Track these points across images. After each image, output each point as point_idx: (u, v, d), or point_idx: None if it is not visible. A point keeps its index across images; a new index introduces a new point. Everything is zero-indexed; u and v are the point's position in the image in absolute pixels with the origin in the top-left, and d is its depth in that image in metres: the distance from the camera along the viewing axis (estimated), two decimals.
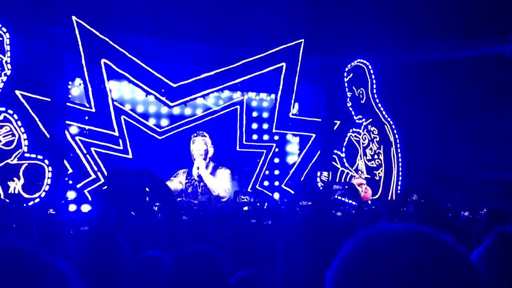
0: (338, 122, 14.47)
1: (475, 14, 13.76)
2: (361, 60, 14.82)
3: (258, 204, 10.02)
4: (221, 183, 13.63)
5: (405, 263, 0.84)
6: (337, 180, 14.04)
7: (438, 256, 0.86)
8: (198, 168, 13.45)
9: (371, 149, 14.94)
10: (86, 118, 11.83)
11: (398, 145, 15.26)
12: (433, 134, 15.37)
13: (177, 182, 13.42)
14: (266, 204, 11.29)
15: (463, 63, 14.87)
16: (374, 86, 15.00)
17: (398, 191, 14.94)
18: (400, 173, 15.17)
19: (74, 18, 11.35)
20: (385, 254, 0.86)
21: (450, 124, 15.63)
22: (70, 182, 11.64)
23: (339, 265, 0.90)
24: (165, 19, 12.58)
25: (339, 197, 12.10)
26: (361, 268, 0.87)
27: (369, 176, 14.70)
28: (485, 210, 8.61)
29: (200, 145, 13.48)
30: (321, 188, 13.59)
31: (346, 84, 14.59)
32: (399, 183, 15.09)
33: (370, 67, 14.92)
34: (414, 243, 0.87)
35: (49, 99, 11.18)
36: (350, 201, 12.12)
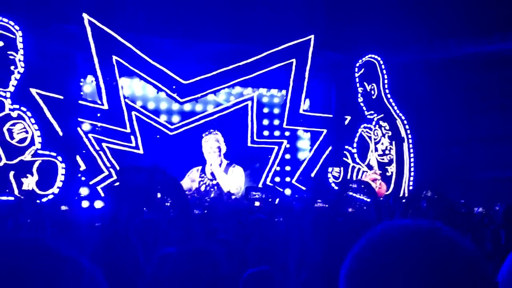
0: (349, 118, 14.40)
1: (490, 11, 13.57)
2: (373, 55, 14.72)
3: (270, 200, 10.01)
4: (234, 181, 13.70)
5: (418, 260, 0.84)
6: (350, 177, 13.99)
7: (450, 253, 0.86)
8: (211, 164, 13.54)
9: (382, 144, 14.86)
10: (98, 115, 11.90)
11: (410, 141, 15.15)
12: (448, 132, 15.19)
13: (190, 180, 13.54)
14: (277, 200, 11.28)
15: (479, 60, 14.67)
16: (386, 81, 14.90)
17: (410, 187, 14.85)
18: (412, 168, 15.08)
19: (85, 16, 11.41)
20: (398, 250, 0.86)
21: (464, 122, 15.43)
22: (83, 178, 11.74)
23: (353, 262, 0.90)
24: (175, 18, 12.60)
25: (351, 193, 12.05)
26: (374, 264, 0.87)
27: (380, 172, 14.64)
28: (498, 206, 8.53)
29: (213, 143, 13.57)
30: (335, 186, 13.56)
31: (357, 80, 14.52)
32: (411, 178, 15.00)
33: (381, 62, 14.82)
34: (428, 240, 0.87)
35: (61, 97, 11.27)
36: (362, 197, 12.06)
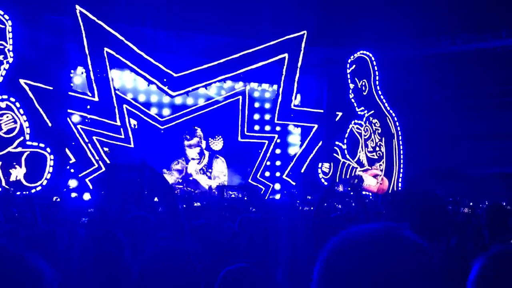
0: (340, 114, 14.44)
1: (489, 8, 13.58)
2: (364, 52, 14.74)
3: (245, 198, 10.02)
4: (217, 177, 14.17)
5: (378, 260, 0.95)
6: (342, 176, 14.04)
7: (401, 251, 0.96)
8: (191, 174, 14.00)
9: (372, 140, 14.93)
10: (88, 107, 11.83)
11: (400, 138, 15.23)
12: (440, 128, 15.23)
13: (175, 172, 13.81)
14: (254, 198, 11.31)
15: (473, 57, 14.68)
16: (377, 78, 14.94)
17: (400, 183, 14.96)
18: (402, 165, 15.17)
19: (77, 7, 11.31)
20: (360, 252, 0.96)
21: (456, 119, 15.47)
22: (72, 170, 11.68)
23: (322, 265, 1.00)
24: (168, 10, 12.51)
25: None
26: (341, 267, 0.97)
27: (370, 168, 14.72)
28: (485, 204, 8.61)
29: (195, 150, 13.94)
30: (324, 181, 13.62)
31: (348, 76, 14.54)
32: (400, 175, 15.10)
33: (373, 58, 14.84)
34: (384, 241, 0.97)
35: (51, 88, 11.17)
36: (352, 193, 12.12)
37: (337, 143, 14.34)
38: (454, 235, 3.32)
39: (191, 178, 13.96)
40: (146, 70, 12.32)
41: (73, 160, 11.55)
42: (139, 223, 3.60)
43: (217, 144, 14.32)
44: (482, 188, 12.68)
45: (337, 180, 13.63)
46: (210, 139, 14.29)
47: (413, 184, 13.49)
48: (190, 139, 13.95)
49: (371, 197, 12.53)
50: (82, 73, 12.34)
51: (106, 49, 11.76)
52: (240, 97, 13.92)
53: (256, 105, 15.01)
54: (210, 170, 14.27)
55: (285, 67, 13.36)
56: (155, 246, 2.22)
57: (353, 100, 14.64)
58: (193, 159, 13.99)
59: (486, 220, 3.76)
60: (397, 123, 15.21)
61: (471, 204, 9.58)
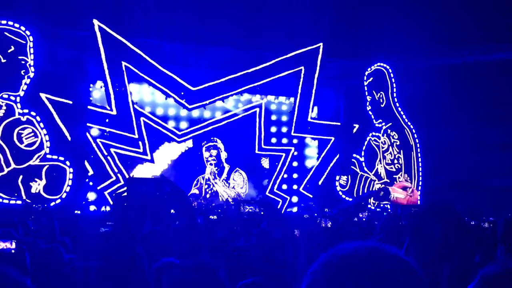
0: (357, 126, 14.35)
1: (503, 18, 13.45)
2: (381, 64, 14.67)
3: (262, 213, 9.97)
4: (234, 187, 13.95)
5: (363, 276, 0.94)
6: (360, 189, 13.92)
7: (387, 268, 0.95)
8: (210, 173, 13.88)
9: (390, 153, 14.79)
10: (107, 120, 11.96)
11: (419, 150, 15.06)
12: (460, 140, 15.01)
13: (197, 189, 13.87)
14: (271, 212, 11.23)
15: (491, 67, 14.50)
16: (394, 90, 14.84)
17: (418, 197, 14.75)
18: (420, 178, 14.98)
19: (96, 22, 11.49)
20: (346, 271, 0.95)
21: (475, 129, 15.23)
22: (91, 183, 11.78)
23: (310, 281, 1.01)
24: (185, 24, 12.64)
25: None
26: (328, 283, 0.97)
27: (388, 181, 14.56)
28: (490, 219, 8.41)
29: (213, 152, 13.89)
30: (342, 194, 13.50)
31: (366, 88, 14.47)
32: (419, 188, 14.90)
33: (390, 70, 14.77)
34: (370, 260, 0.96)
35: (71, 102, 11.34)
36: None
37: (354, 155, 14.23)
38: (477, 252, 3.22)
39: (215, 189, 13.92)
40: (163, 83, 12.43)
41: (91, 173, 11.66)
42: (156, 237, 3.61)
43: (266, 161, 14.41)
44: (504, 200, 12.42)
45: (355, 194, 13.49)
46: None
47: (432, 197, 13.28)
48: (208, 150, 13.98)
49: (389, 210, 12.37)
50: (101, 87, 12.50)
51: (124, 63, 11.89)
52: (257, 110, 13.94)
53: (273, 118, 15.01)
54: (228, 183, 14.27)
55: (301, 79, 13.35)
56: (180, 260, 2.21)
57: (370, 113, 14.55)
58: (211, 164, 14.00)
59: (502, 234, 3.66)
60: (415, 135, 15.05)
61: (491, 219, 9.37)
